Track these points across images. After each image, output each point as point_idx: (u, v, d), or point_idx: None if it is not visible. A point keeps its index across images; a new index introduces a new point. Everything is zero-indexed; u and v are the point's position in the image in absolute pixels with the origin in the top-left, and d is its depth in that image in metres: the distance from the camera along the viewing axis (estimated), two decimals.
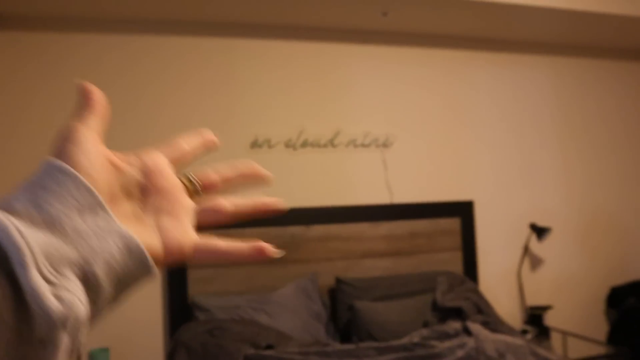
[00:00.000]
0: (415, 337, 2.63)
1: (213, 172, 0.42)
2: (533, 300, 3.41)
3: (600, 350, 2.92)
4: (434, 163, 3.29)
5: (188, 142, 0.41)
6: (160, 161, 0.38)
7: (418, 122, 3.28)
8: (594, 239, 3.68)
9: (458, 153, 3.35)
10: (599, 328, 3.61)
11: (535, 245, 3.44)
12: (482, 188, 3.38)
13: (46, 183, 0.30)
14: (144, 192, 0.36)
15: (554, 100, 3.67)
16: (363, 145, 3.16)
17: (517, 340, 2.61)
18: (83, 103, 0.36)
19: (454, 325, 2.77)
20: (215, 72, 3.00)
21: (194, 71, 2.97)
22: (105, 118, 0.36)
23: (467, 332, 2.76)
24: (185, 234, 0.36)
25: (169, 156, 0.39)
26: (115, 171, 0.34)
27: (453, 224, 3.18)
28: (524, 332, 3.13)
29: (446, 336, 2.70)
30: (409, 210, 3.11)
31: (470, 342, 2.60)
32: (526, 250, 3.40)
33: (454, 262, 3.16)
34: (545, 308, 3.25)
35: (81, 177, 0.30)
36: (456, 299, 2.91)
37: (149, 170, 0.36)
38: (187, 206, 0.38)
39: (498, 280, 3.35)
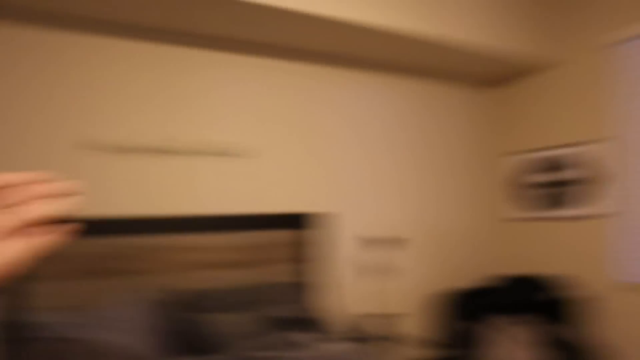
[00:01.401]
0: (248, 349, 2.66)
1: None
2: (387, 308, 3.56)
3: (431, 354, 3.05)
4: (286, 174, 3.34)
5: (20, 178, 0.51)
6: None
7: (275, 133, 3.31)
8: (431, 249, 3.94)
9: (312, 166, 3.43)
10: (435, 333, 3.88)
11: (379, 256, 3.59)
12: (335, 200, 3.50)
13: None
14: None
15: (399, 119, 3.84)
16: (213, 154, 3.14)
17: (349, 349, 2.68)
18: None
19: (288, 336, 2.82)
20: (45, 67, 2.77)
21: (20, 65, 2.72)
22: None
23: (300, 343, 2.81)
24: None
25: None
26: None
27: (299, 235, 3.22)
28: (359, 339, 3.22)
29: (279, 347, 2.74)
30: (255, 221, 3.13)
31: (302, 352, 2.65)
32: (367, 260, 3.54)
33: (300, 273, 3.21)
34: (383, 315, 3.35)
35: None
36: (288, 310, 2.97)
37: None
38: None
39: (341, 290, 3.48)
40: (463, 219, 4.21)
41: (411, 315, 3.83)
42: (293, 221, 3.23)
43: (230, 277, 3.10)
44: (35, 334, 2.65)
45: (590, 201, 3.64)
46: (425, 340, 3.68)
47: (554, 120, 3.89)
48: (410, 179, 3.88)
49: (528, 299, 3.62)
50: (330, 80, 3.53)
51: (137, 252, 2.92)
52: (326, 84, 3.51)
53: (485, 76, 4.23)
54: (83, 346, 2.54)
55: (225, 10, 2.79)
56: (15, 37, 2.70)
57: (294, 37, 3.16)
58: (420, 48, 3.43)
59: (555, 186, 3.86)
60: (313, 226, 3.29)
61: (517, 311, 3.58)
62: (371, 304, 3.61)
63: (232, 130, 3.19)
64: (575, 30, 3.74)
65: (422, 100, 3.98)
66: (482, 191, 4.37)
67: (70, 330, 2.68)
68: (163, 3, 2.71)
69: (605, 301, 3.54)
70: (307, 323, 2.92)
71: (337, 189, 3.51)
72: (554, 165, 3.88)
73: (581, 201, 3.69)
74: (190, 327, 2.82)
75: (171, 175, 3.04)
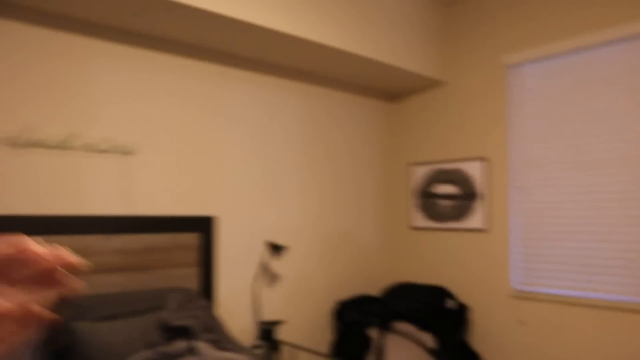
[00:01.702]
0: None
1: None
2: (269, 315, 3.48)
3: None
4: (178, 176, 3.16)
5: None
6: None
7: (165, 132, 3.13)
8: (329, 256, 3.93)
9: (204, 167, 3.27)
10: (328, 339, 3.86)
11: (275, 262, 3.52)
12: (225, 204, 3.34)
13: None
14: None
15: (300, 125, 3.82)
16: (100, 151, 2.93)
17: (243, 358, 2.57)
18: None
19: (180, 345, 2.67)
20: None
21: None
22: None
23: (192, 352, 2.68)
24: None
25: None
26: None
27: (193, 239, 3.08)
28: (256, 347, 3.12)
29: (170, 357, 2.59)
30: (147, 223, 2.95)
31: None
32: (263, 266, 3.45)
33: (192, 279, 3.06)
34: (276, 323, 3.28)
35: None
36: (184, 318, 2.81)
37: None
38: None
39: (236, 297, 3.34)
40: (367, 228, 4.25)
41: (307, 322, 3.77)
42: (186, 224, 3.08)
43: (120, 282, 2.89)
44: None
45: (476, 215, 3.79)
46: (325, 350, 3.64)
47: (451, 134, 4.05)
48: (311, 186, 3.85)
49: (428, 307, 3.68)
50: (229, 80, 3.41)
51: None
52: (224, 84, 3.39)
53: (390, 90, 4.35)
54: None
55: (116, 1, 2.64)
56: None
57: (188, 32, 3.02)
58: (324, 56, 3.44)
59: (455, 198, 3.99)
60: (206, 230, 3.16)
61: (416, 319, 3.63)
62: (266, 311, 3.52)
63: (119, 126, 3.00)
64: (473, 52, 3.93)
65: (325, 108, 3.99)
66: (387, 200, 4.44)
67: None
68: None
69: (500, 310, 3.67)
70: (198, 329, 2.78)
71: (231, 192, 3.39)
72: (452, 178, 4.01)
73: (471, 214, 3.84)
74: (94, 337, 2.59)
75: (58, 172, 2.80)
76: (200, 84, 3.27)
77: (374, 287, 4.31)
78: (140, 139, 3.03)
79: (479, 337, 3.77)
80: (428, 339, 3.56)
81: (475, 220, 3.84)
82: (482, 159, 3.82)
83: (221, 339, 2.80)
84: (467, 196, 3.89)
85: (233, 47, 3.27)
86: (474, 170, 3.87)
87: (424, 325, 3.62)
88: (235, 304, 3.32)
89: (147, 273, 2.94)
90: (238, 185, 3.40)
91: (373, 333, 3.56)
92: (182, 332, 2.75)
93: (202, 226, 3.12)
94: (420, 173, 4.26)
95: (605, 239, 3.18)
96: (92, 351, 2.57)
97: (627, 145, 3.12)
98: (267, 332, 3.24)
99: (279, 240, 3.58)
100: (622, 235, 3.11)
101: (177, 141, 3.16)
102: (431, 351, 3.55)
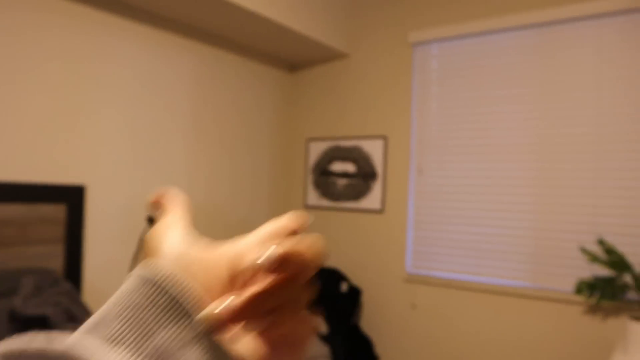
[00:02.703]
0: None
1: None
2: None
3: None
4: (39, 136, 2.62)
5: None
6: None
7: (29, 87, 2.59)
8: (214, 233, 3.59)
9: (72, 130, 2.75)
10: None
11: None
12: (97, 172, 2.86)
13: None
14: None
15: (187, 89, 3.40)
16: None
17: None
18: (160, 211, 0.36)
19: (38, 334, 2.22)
20: None
21: None
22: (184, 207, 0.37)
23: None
24: None
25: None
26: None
27: (56, 211, 2.60)
28: None
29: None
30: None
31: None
32: (142, 245, 3.04)
33: (55, 258, 2.59)
34: None
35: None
36: (42, 305, 2.37)
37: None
38: None
39: (110, 279, 2.90)
40: (260, 204, 3.96)
41: None
42: (48, 193, 2.60)
43: None
44: None
45: (374, 195, 3.67)
46: None
47: (352, 110, 3.87)
48: (199, 158, 3.48)
49: (320, 290, 3.50)
50: (102, 29, 2.90)
51: None
52: (97, 34, 2.87)
53: (289, 58, 4.06)
54: None
55: None
56: None
57: None
58: (218, 11, 3.06)
59: (352, 177, 3.82)
60: (74, 201, 2.69)
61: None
62: None
63: None
64: (380, 26, 3.75)
65: (217, 71, 3.59)
66: (282, 176, 4.18)
67: None
68: None
69: (395, 293, 3.59)
70: (59, 319, 2.35)
71: (106, 159, 2.92)
72: (350, 155, 3.84)
73: (369, 194, 3.70)
74: None
75: None
76: (66, 33, 2.74)
77: None
78: None
79: (371, 321, 3.66)
80: (320, 323, 3.38)
81: (372, 200, 3.70)
82: (382, 137, 3.69)
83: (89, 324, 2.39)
84: (365, 175, 3.74)
85: None
86: (373, 149, 3.73)
87: (328, 307, 3.44)
88: (109, 287, 2.89)
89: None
90: (114, 152, 2.93)
91: None
92: (39, 323, 2.30)
93: (69, 196, 2.64)
94: (318, 149, 4.04)
95: (499, 225, 3.18)
96: None
97: (525, 132, 3.12)
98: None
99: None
100: (515, 222, 3.13)
101: (43, 97, 2.62)
102: (322, 337, 3.37)
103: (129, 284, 0.29)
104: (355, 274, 3.77)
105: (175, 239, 0.33)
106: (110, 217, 2.90)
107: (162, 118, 3.21)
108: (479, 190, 3.27)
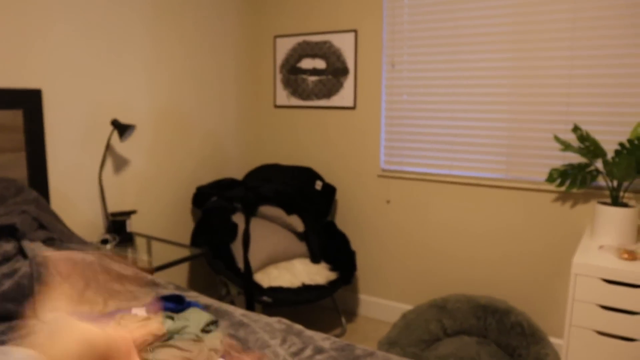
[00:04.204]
0: None
1: None
2: (118, 206, 3.04)
3: (184, 252, 2.70)
4: None
5: None
6: None
7: None
8: (180, 139, 3.49)
9: (26, 29, 2.51)
10: (188, 230, 3.57)
11: (119, 146, 3.02)
12: (56, 76, 2.66)
13: None
14: None
15: None
16: None
17: (87, 257, 2.15)
18: None
19: (5, 247, 2.17)
20: None
21: None
22: None
23: (22, 254, 2.21)
24: None
25: None
26: None
27: (13, 117, 2.44)
28: (105, 241, 2.71)
29: None
30: None
31: (24, 266, 2.05)
32: (107, 150, 2.93)
33: (17, 167, 2.47)
34: (128, 213, 2.88)
35: None
36: (9, 214, 2.28)
37: None
38: None
39: (76, 186, 2.81)
40: (227, 106, 3.83)
41: (164, 212, 3.41)
42: (14, 99, 2.42)
43: None
44: None
45: (346, 91, 3.57)
46: (168, 240, 3.33)
47: (320, 2, 3.65)
48: (162, 58, 3.28)
49: (295, 189, 3.48)
50: None
51: None
52: None
53: None
54: None
55: None
56: None
57: None
58: None
59: (323, 74, 3.69)
60: (31, 107, 2.53)
61: (283, 202, 3.43)
62: (115, 202, 3.07)
63: None
64: None
65: None
66: (249, 76, 4.01)
67: None
68: None
69: (369, 190, 3.60)
70: (28, 228, 2.29)
71: (64, 62, 2.71)
72: (320, 51, 3.68)
73: (340, 91, 3.60)
74: None
75: None
76: None
77: (237, 170, 4.00)
78: None
79: (346, 218, 3.70)
80: (297, 222, 3.40)
81: (344, 97, 3.61)
82: (353, 31, 3.52)
83: (59, 237, 2.34)
84: (336, 71, 3.62)
85: None
86: (344, 43, 3.57)
87: (291, 209, 3.44)
88: (75, 193, 2.80)
89: None
90: (70, 54, 2.71)
91: (238, 219, 3.31)
92: (7, 232, 2.23)
93: (25, 101, 2.47)
94: (286, 46, 3.86)
95: (473, 117, 3.15)
96: None
97: (499, 20, 3.01)
98: (117, 224, 2.82)
99: (123, 120, 3.04)
100: (489, 114, 3.09)
101: None
102: (299, 235, 3.41)
103: None
104: (329, 172, 3.75)
105: None
106: (71, 121, 2.75)
107: (120, 20, 2.96)
108: (452, 82, 3.20)
